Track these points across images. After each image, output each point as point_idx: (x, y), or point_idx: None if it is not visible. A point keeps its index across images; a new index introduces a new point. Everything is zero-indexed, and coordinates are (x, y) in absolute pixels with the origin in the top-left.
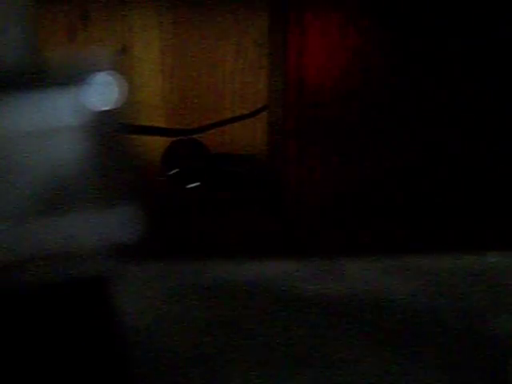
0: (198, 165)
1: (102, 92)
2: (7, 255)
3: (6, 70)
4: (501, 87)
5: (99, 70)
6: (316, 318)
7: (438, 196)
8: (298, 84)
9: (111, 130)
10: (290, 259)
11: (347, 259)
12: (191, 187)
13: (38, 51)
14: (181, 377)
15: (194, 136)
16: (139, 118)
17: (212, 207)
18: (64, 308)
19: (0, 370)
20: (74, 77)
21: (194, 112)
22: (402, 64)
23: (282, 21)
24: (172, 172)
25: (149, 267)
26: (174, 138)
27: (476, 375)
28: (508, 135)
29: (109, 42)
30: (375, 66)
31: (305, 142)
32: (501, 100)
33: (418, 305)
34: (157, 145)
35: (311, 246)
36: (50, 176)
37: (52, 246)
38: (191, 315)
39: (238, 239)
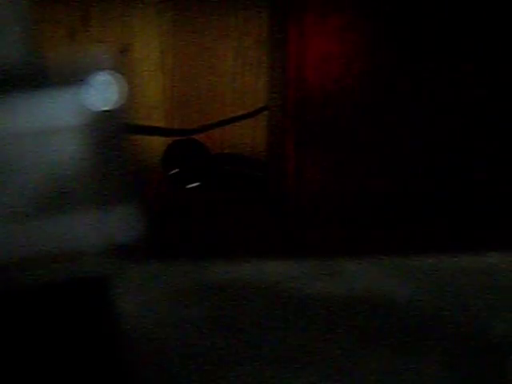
0: (198, 165)
1: (102, 92)
2: (7, 255)
3: (6, 69)
4: (503, 87)
5: (99, 70)
6: (316, 318)
7: (438, 196)
8: (298, 84)
9: (111, 129)
10: (289, 259)
11: (347, 259)
12: (191, 187)
13: (38, 51)
14: (180, 376)
15: (194, 136)
16: (139, 117)
17: (212, 207)
18: (64, 308)
19: (0, 370)
20: (73, 77)
21: (194, 112)
22: (403, 64)
23: (282, 21)
24: (172, 172)
25: (149, 267)
26: (174, 138)
27: (476, 375)
28: (508, 136)
29: (109, 42)
30: (375, 66)
31: (305, 142)
32: (502, 100)
33: (417, 305)
34: (157, 145)
35: (311, 246)
36: (49, 176)
37: (52, 245)
38: (191, 315)
39: (238, 239)
